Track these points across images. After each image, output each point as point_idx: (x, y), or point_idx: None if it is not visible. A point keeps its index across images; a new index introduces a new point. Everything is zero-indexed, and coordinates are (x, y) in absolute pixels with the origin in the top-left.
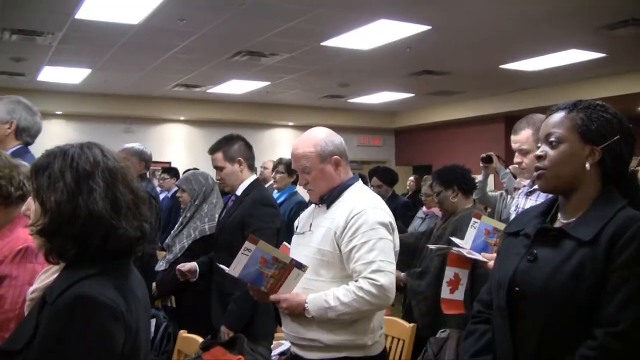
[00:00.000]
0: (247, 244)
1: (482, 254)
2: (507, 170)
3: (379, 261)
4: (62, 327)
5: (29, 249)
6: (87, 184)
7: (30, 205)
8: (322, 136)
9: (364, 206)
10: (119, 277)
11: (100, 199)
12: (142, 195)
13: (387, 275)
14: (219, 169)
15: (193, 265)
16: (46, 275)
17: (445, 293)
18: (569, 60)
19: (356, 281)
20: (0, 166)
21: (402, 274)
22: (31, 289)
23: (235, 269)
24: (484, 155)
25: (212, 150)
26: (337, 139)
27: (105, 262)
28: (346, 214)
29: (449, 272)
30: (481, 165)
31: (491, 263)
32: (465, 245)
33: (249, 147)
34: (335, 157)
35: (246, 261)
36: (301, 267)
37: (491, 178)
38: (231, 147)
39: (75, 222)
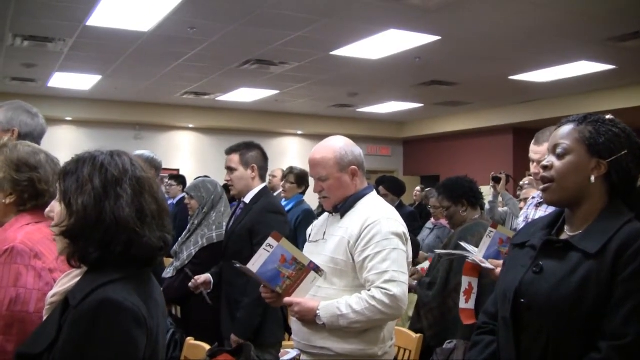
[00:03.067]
0: (270, 240)
1: (490, 260)
2: (511, 196)
3: (392, 271)
4: (87, 331)
5: (14, 249)
6: (114, 190)
7: (55, 207)
8: (341, 145)
9: (378, 216)
10: (141, 283)
11: (126, 205)
12: (166, 207)
13: (400, 286)
14: (231, 170)
15: (208, 277)
16: (67, 279)
17: (462, 303)
18: (578, 71)
19: (369, 290)
20: (48, 171)
21: (414, 282)
22: (51, 292)
23: (254, 265)
24: (494, 174)
25: (230, 151)
26: (356, 149)
27: (127, 269)
28: (360, 224)
29: (465, 282)
30: (491, 184)
31: (498, 270)
32: (478, 253)
33: (265, 157)
34: (353, 167)
35: (266, 258)
36: (318, 271)
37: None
38: (249, 152)
39: (100, 226)
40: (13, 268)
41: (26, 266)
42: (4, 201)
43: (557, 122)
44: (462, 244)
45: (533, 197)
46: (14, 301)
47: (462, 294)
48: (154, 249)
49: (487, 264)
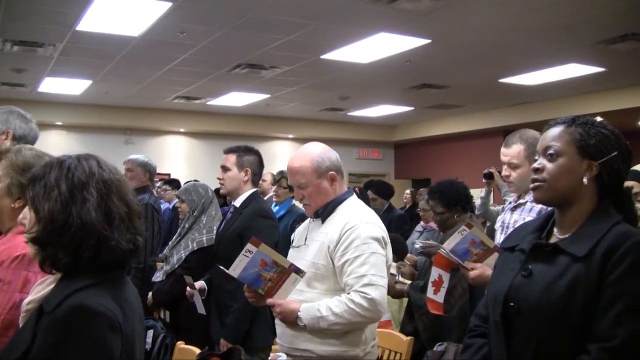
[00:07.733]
0: (248, 246)
1: (466, 262)
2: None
3: (370, 275)
4: (60, 337)
5: (25, 256)
6: (81, 194)
7: (27, 214)
8: (318, 152)
9: (357, 221)
10: (115, 288)
11: (93, 209)
12: (137, 209)
13: (379, 289)
14: (225, 169)
15: (202, 284)
16: (42, 286)
17: (430, 292)
18: (568, 74)
19: (348, 294)
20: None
21: (406, 286)
22: (27, 300)
23: (235, 270)
24: (486, 171)
25: (229, 150)
26: (332, 154)
27: (100, 273)
28: (340, 228)
29: (435, 273)
30: (483, 181)
31: (473, 272)
32: (446, 246)
33: (261, 164)
34: (331, 172)
35: (246, 263)
36: (299, 272)
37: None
38: (247, 155)
39: (67, 231)
40: (22, 274)
41: (35, 274)
42: (13, 205)
43: (545, 125)
44: (432, 242)
45: (509, 202)
46: (16, 305)
47: (430, 284)
48: (124, 252)
49: (455, 258)
